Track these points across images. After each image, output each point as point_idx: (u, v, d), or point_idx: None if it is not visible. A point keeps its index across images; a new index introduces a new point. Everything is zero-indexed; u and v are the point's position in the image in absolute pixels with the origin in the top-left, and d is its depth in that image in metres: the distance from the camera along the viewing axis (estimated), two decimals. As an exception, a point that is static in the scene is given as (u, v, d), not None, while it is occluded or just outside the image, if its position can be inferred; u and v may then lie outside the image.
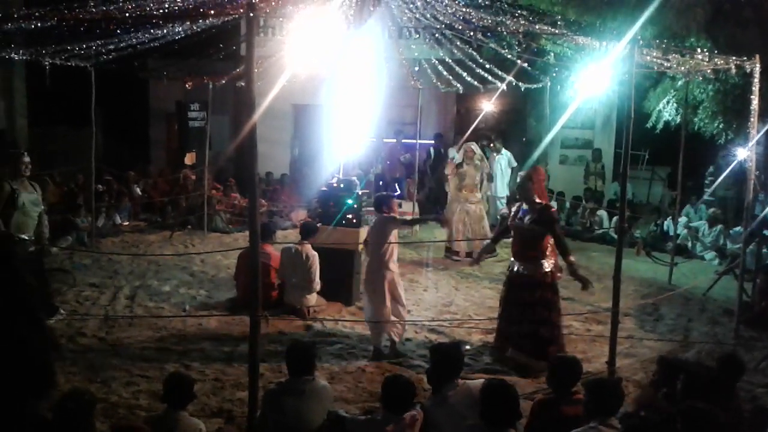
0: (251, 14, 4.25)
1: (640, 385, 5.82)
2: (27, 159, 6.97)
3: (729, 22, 9.61)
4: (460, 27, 6.96)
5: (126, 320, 7.29)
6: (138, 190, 13.83)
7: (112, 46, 8.54)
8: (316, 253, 7.73)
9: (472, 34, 6.99)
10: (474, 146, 10.86)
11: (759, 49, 7.47)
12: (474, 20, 6.61)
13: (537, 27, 6.11)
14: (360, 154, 11.80)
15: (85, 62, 9.69)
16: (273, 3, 5.77)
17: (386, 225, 6.55)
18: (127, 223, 12.45)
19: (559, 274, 6.65)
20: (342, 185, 8.20)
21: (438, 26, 7.33)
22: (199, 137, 13.16)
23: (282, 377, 5.18)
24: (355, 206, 8.06)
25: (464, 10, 6.50)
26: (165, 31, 8.01)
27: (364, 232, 8.33)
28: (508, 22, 6.03)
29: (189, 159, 16.12)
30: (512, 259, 6.58)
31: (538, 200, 6.39)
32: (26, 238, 6.85)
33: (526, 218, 6.40)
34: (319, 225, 8.35)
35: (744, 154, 10.77)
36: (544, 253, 6.34)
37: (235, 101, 15.83)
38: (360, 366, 6.28)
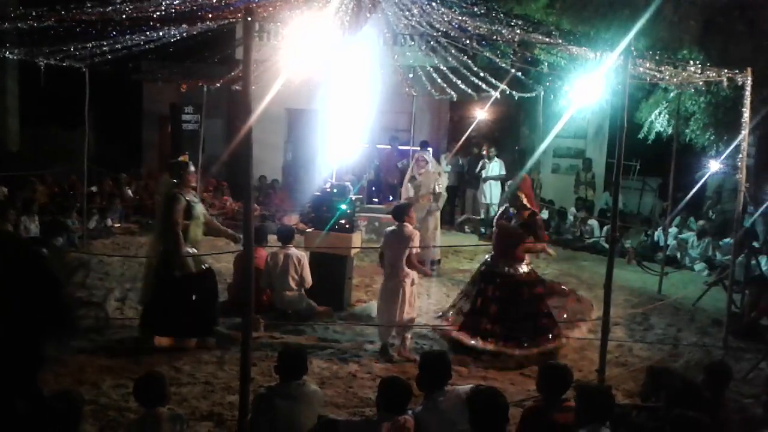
0: (249, 18, 4.26)
1: (630, 394, 5.86)
2: (192, 168, 6.78)
3: (721, 34, 9.70)
4: (456, 35, 6.99)
5: (116, 322, 7.25)
6: (130, 192, 13.80)
7: (107, 48, 8.52)
8: (303, 253, 7.78)
9: (467, 42, 7.03)
10: (426, 155, 10.79)
11: (750, 62, 7.54)
12: (470, 28, 6.64)
13: (533, 36, 6.15)
14: (353, 160, 11.83)
15: (80, 63, 9.66)
16: (270, 8, 5.79)
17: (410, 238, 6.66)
18: (118, 225, 12.41)
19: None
20: (335, 190, 8.20)
21: (434, 34, 7.36)
22: (192, 140, 13.15)
23: (272, 381, 5.18)
24: (349, 211, 8.07)
25: (460, 18, 6.54)
26: (161, 33, 8.00)
27: (357, 238, 8.36)
28: (503, 30, 6.08)
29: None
30: (490, 256, 7.05)
31: (528, 207, 6.92)
32: (194, 251, 6.64)
33: (513, 221, 6.92)
34: (311, 229, 8.37)
35: (716, 166, 10.99)
36: (523, 255, 6.88)
37: (228, 105, 15.83)
38: (351, 371, 6.28)
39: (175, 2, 6.26)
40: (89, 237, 11.13)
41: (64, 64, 9.41)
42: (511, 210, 6.99)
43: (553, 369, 4.48)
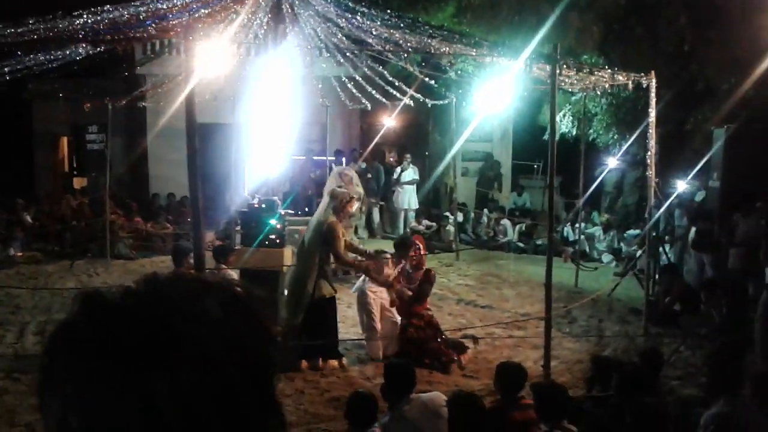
0: (191, 38, 4.18)
1: (569, 386, 6.12)
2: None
3: (621, 40, 10.30)
4: (391, 48, 7.06)
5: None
6: (29, 218, 13.01)
7: (8, 69, 7.99)
8: (232, 272, 7.57)
9: (382, 51, 7.12)
10: (350, 170, 10.86)
11: (649, 64, 8.07)
12: (401, 42, 6.72)
13: (459, 47, 6.32)
14: (270, 173, 11.68)
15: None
16: (200, 25, 5.66)
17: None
18: (20, 254, 11.67)
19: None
20: (264, 205, 8.08)
21: (370, 50, 7.38)
22: (98, 160, 12.59)
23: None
24: (279, 226, 7.96)
25: (390, 32, 6.61)
26: (67, 52, 7.61)
27: (288, 252, 8.27)
28: (433, 43, 6.21)
29: (78, 183, 15.37)
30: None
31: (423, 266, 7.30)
32: None
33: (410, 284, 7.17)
34: (239, 246, 8.19)
35: (614, 162, 11.72)
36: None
37: (130, 122, 15.25)
38: (297, 388, 6.22)
39: (89, 21, 6.01)
40: (-10, 268, 10.43)
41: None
42: (408, 269, 7.23)
43: (509, 368, 4.64)
